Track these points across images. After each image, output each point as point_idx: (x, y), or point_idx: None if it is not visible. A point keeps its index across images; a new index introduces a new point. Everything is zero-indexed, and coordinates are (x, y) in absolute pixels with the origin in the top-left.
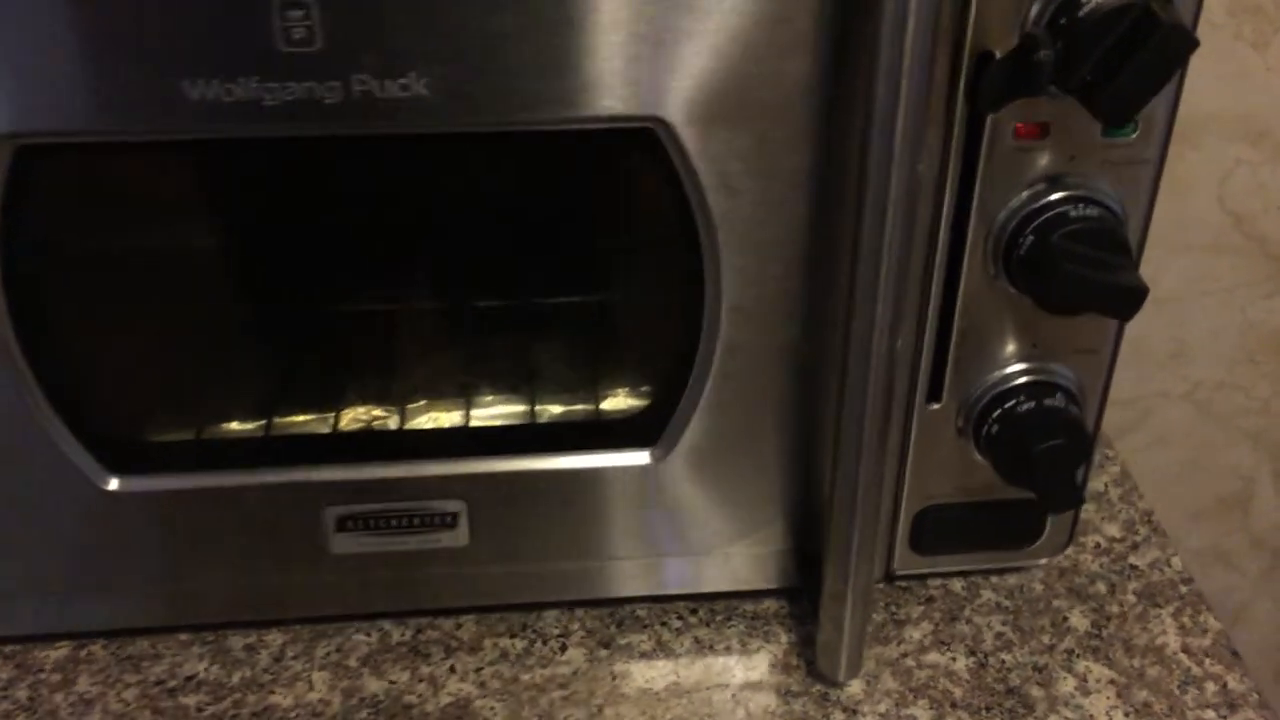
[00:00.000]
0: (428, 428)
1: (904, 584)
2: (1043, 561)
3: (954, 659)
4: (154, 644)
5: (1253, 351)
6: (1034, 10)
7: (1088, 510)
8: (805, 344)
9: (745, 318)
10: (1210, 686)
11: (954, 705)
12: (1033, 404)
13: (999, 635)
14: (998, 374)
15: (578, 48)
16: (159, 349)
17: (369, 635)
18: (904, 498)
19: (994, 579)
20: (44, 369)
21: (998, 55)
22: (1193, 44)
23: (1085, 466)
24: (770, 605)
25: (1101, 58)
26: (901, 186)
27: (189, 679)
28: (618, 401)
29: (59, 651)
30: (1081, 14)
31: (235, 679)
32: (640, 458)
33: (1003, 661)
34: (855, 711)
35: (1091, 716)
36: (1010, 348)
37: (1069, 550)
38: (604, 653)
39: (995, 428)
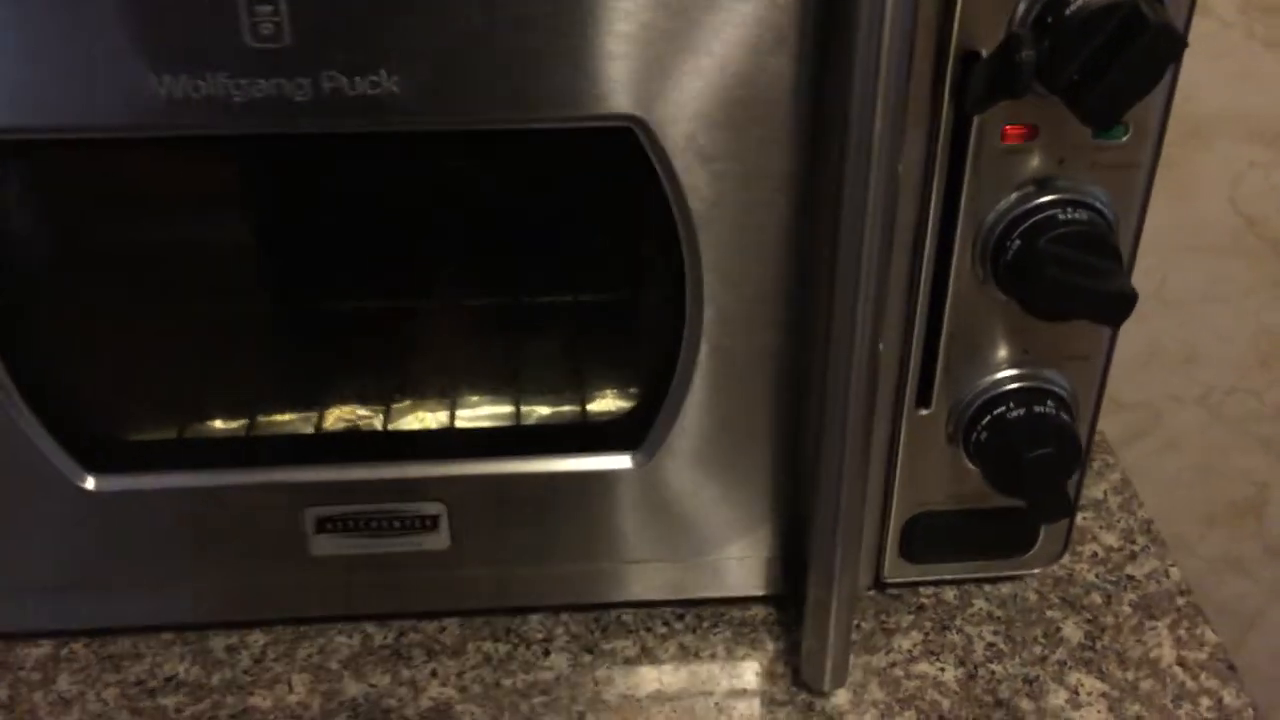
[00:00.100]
0: (408, 429)
1: (895, 592)
2: (1036, 571)
3: (943, 669)
4: (136, 643)
5: (1265, 356)
6: (1020, 9)
7: (1086, 518)
8: (790, 347)
9: (728, 320)
10: (1205, 701)
11: (942, 717)
12: (1022, 411)
13: (990, 645)
14: (988, 379)
15: (554, 46)
16: (137, 348)
17: (351, 637)
18: (894, 504)
19: (987, 588)
20: (20, 366)
21: (984, 55)
22: (1181, 45)
23: (1079, 475)
24: (758, 612)
25: (1089, 58)
26: (880, 187)
27: (169, 679)
28: (601, 404)
29: (40, 650)
30: (1068, 12)
31: (215, 680)
32: (623, 461)
33: (993, 672)
34: None
35: None
36: (1001, 353)
37: (1065, 559)
38: (587, 658)
39: (984, 435)
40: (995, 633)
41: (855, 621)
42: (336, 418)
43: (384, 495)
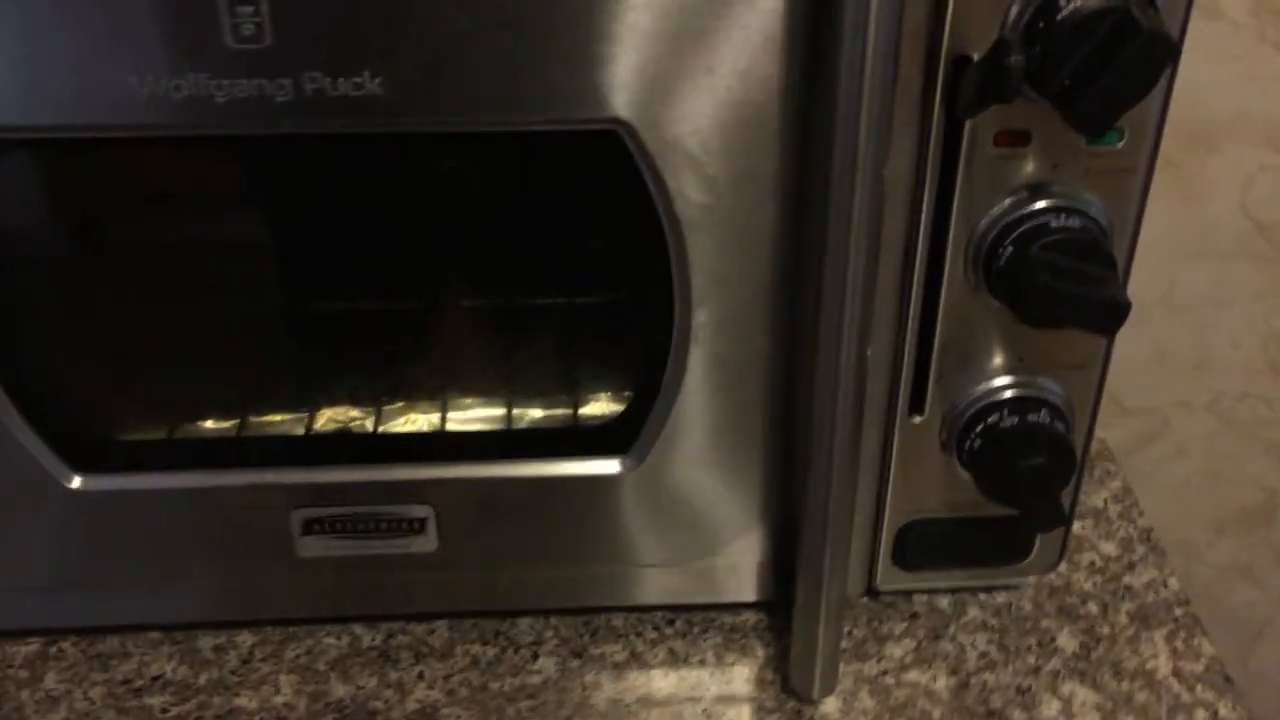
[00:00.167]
0: (395, 432)
1: (888, 599)
2: (1032, 579)
3: (935, 678)
4: (124, 642)
5: (1275, 361)
6: (1013, 13)
7: (1084, 527)
8: (781, 351)
9: (716, 324)
10: (1200, 714)
11: None
12: (1016, 420)
13: (983, 655)
14: (982, 387)
15: (540, 48)
16: (124, 348)
17: (339, 639)
18: (886, 511)
19: (982, 596)
20: (6, 365)
21: (975, 59)
22: (1174, 51)
23: (1075, 485)
24: (749, 618)
25: (1080, 63)
26: (865, 190)
27: (155, 679)
28: (590, 408)
29: (29, 647)
30: (1060, 17)
31: (202, 680)
32: (611, 466)
33: (985, 682)
34: None
35: None
36: (995, 360)
37: (1062, 568)
38: (576, 663)
39: (977, 443)
40: (989, 642)
41: (847, 629)
42: (328, 419)
43: (370, 497)
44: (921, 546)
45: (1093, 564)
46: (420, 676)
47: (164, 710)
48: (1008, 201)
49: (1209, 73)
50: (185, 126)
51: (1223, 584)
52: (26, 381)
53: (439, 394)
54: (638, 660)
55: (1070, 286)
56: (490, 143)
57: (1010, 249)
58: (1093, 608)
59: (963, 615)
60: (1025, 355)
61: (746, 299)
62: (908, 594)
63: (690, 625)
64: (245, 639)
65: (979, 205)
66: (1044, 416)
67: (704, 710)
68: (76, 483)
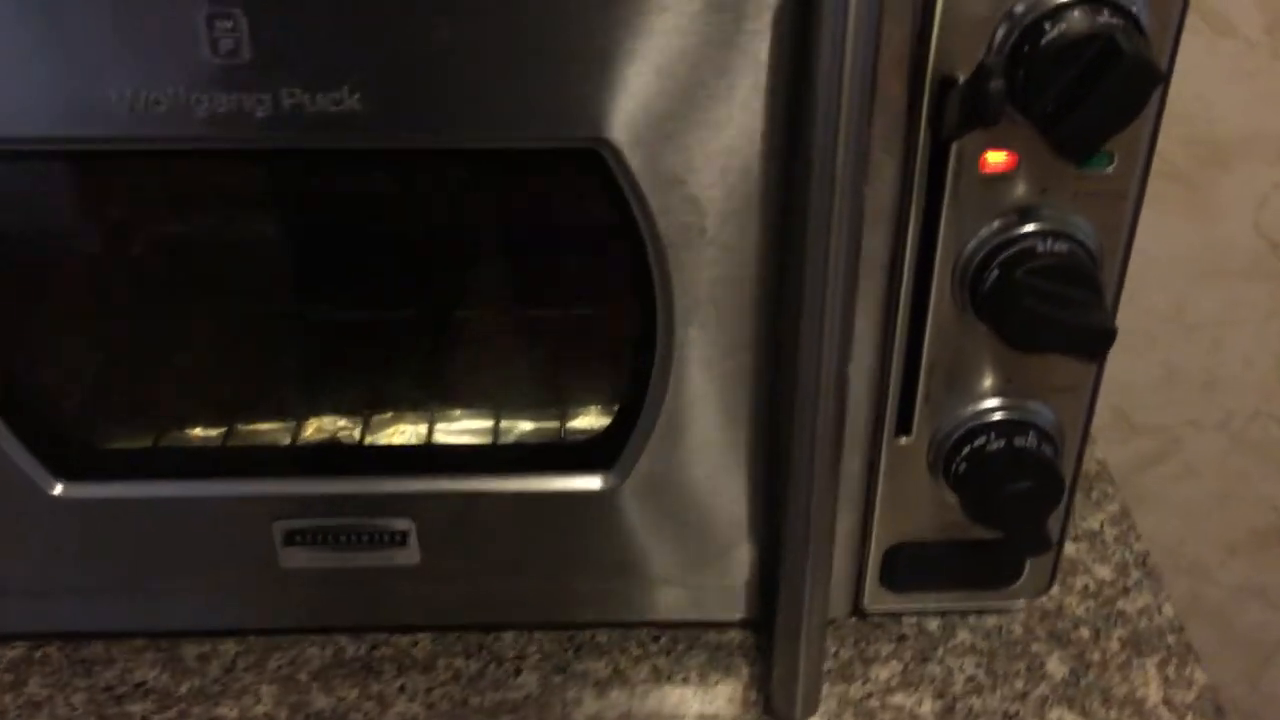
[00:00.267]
0: (376, 445)
1: (877, 620)
2: (1022, 603)
3: (920, 701)
4: (108, 648)
5: None
6: (999, 35)
7: (1079, 550)
8: (764, 370)
9: (699, 342)
10: None
11: None
12: (1003, 443)
13: (970, 679)
14: (970, 409)
15: (518, 65)
16: (108, 356)
17: (323, 649)
18: (873, 532)
19: (971, 619)
20: None
21: (961, 80)
22: (1158, 79)
23: (1065, 509)
24: (735, 636)
25: (1064, 88)
26: (845, 206)
27: (138, 686)
28: (574, 424)
29: (14, 652)
30: (1045, 41)
31: (184, 688)
32: (593, 482)
33: (971, 707)
34: None
35: None
36: (984, 383)
37: (1054, 592)
38: (558, 678)
39: (963, 466)
40: (977, 665)
41: (833, 649)
42: (316, 429)
43: (352, 510)
44: (910, 568)
45: (1086, 588)
46: (402, 689)
47: (144, 718)
48: (996, 224)
49: (1222, 91)
50: (165, 140)
51: (1234, 605)
52: (9, 388)
53: (427, 406)
54: (621, 677)
55: (1055, 312)
56: (474, 159)
57: (996, 272)
58: (1084, 633)
59: (951, 638)
60: (1014, 378)
61: (730, 318)
62: (896, 615)
63: (675, 642)
64: (229, 648)
65: (967, 227)
66: (1031, 440)
67: None
68: (58, 490)
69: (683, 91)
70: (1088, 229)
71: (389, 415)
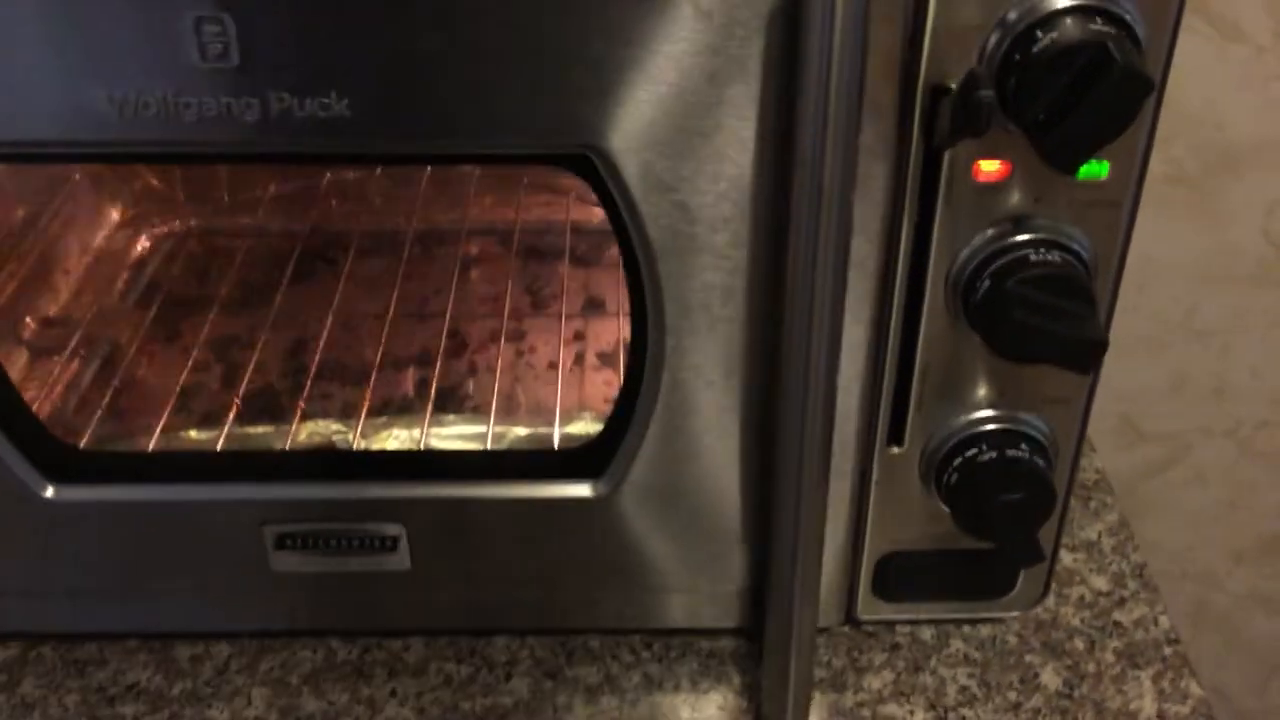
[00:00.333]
0: (368, 449)
1: (870, 629)
2: (1016, 613)
3: (912, 712)
4: (102, 649)
5: None
6: (991, 43)
7: (1076, 560)
8: (756, 379)
9: (691, 349)
10: None
11: None
12: (995, 454)
13: (963, 689)
14: (963, 419)
15: (511, 73)
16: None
17: (315, 652)
18: (866, 542)
19: (966, 629)
20: None
21: (953, 88)
22: (1149, 89)
23: (1059, 520)
24: (727, 644)
25: (1055, 98)
26: (833, 215)
27: (130, 687)
28: (565, 430)
29: (9, 652)
30: (1036, 49)
31: (176, 690)
32: (583, 489)
33: (964, 718)
34: None
35: None
36: (977, 393)
37: (1050, 602)
38: (549, 684)
39: (955, 476)
40: (970, 676)
41: (826, 658)
42: (311, 432)
43: (342, 515)
44: (902, 577)
45: (1082, 598)
46: (392, 693)
47: (135, 719)
48: (990, 232)
49: (1232, 97)
50: (155, 144)
51: (1241, 613)
52: (0, 392)
53: (420, 411)
54: (612, 684)
55: (1046, 323)
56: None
57: (988, 282)
58: (1079, 644)
59: (945, 648)
60: (1007, 388)
61: (722, 326)
62: (890, 624)
63: (667, 649)
64: (222, 650)
65: (960, 235)
66: (1024, 451)
67: None
68: (50, 492)
69: (674, 98)
70: (1082, 239)
71: (383, 419)
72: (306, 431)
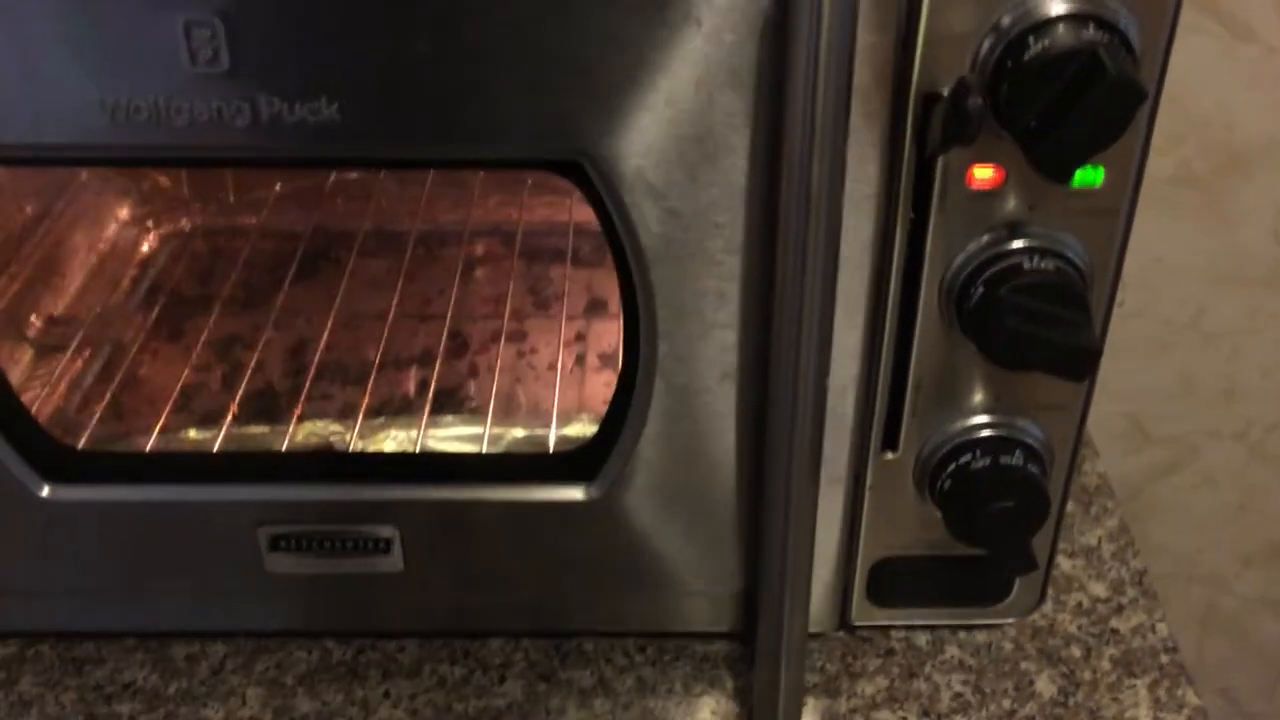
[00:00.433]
0: (364, 451)
1: (865, 634)
2: (1011, 620)
3: (905, 718)
4: (99, 648)
5: None
6: (983, 50)
7: (1075, 566)
8: (747, 384)
9: (683, 354)
10: None
11: None
12: (988, 461)
13: (957, 696)
14: (957, 426)
15: (502, 79)
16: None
17: (310, 652)
18: (860, 547)
19: (961, 635)
20: None
21: (945, 95)
22: (1141, 97)
23: (1055, 527)
24: (721, 648)
25: (1046, 106)
26: (821, 221)
27: (126, 686)
28: (564, 432)
29: (7, 650)
30: (1028, 56)
31: (172, 689)
32: (575, 493)
33: None
34: None
35: None
36: (972, 399)
37: (1047, 608)
38: (543, 687)
39: (948, 483)
40: (964, 682)
41: (819, 663)
42: (308, 433)
43: (336, 516)
44: (896, 583)
45: (1080, 605)
46: (386, 695)
47: (131, 718)
48: (985, 239)
49: (1242, 97)
50: (147, 148)
51: (1250, 616)
52: None
53: (416, 413)
54: (605, 687)
55: (1039, 331)
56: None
57: (981, 290)
58: (1075, 651)
59: (940, 654)
60: (1002, 395)
61: (713, 332)
62: (884, 630)
63: (661, 653)
64: (218, 649)
65: (954, 242)
66: (1018, 458)
67: None
68: (46, 492)
69: (666, 105)
70: (1077, 246)
71: (381, 420)
72: (304, 432)
